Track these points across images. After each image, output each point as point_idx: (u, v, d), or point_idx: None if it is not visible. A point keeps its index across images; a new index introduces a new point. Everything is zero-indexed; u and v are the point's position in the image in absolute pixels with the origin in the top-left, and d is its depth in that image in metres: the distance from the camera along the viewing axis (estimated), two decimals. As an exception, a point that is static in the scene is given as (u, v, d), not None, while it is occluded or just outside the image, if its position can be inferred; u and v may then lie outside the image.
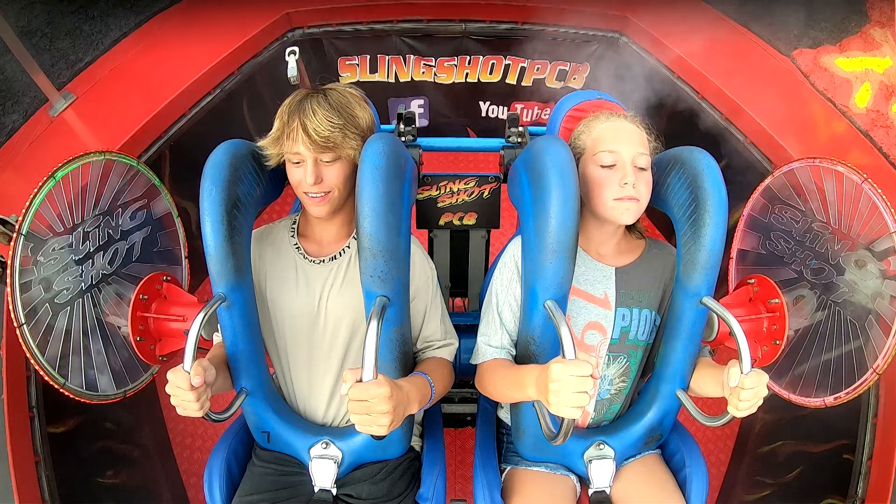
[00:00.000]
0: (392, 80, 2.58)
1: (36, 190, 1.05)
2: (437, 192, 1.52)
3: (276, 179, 1.19)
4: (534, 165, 1.06)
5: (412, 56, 2.49)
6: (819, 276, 1.21)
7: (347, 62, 2.50)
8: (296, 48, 1.73)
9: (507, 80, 2.60)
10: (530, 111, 2.74)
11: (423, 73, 2.57)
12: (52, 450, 1.44)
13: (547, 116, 2.70)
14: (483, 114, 2.77)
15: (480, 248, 1.69)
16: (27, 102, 1.86)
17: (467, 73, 2.58)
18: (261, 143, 1.11)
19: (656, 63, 2.17)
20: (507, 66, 2.54)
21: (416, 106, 2.72)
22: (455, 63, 2.53)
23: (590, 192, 1.09)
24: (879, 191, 1.11)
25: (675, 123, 2.15)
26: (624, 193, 1.05)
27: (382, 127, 1.44)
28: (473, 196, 1.52)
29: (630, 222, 1.08)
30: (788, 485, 1.77)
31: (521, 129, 1.47)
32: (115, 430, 1.76)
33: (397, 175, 1.01)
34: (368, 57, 2.48)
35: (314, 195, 1.09)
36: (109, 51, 2.01)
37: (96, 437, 1.68)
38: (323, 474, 1.16)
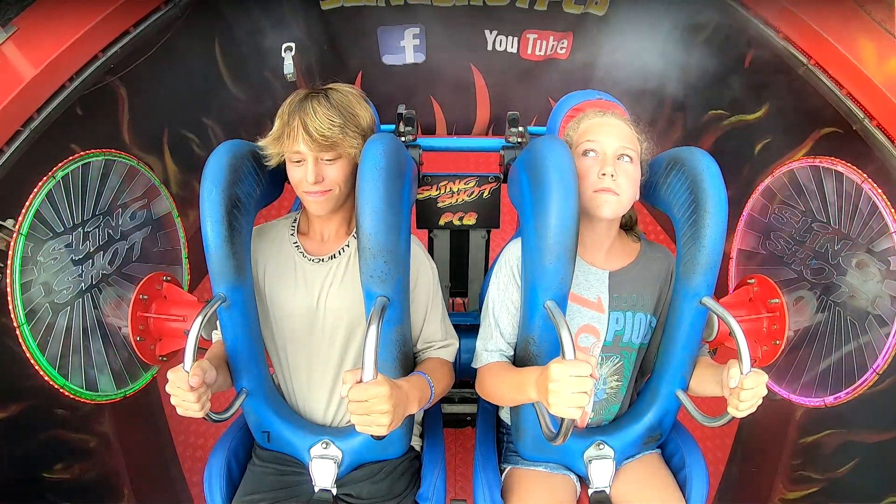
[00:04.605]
0: (382, 3, 2.26)
1: (36, 190, 1.05)
2: (437, 192, 1.52)
3: (276, 179, 1.19)
4: (534, 165, 1.06)
5: None
6: (819, 277, 1.21)
7: None
8: (292, 44, 1.72)
9: (517, 4, 2.28)
10: (544, 42, 2.42)
11: None
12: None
13: (563, 49, 2.46)
14: (489, 46, 2.44)
15: (480, 248, 1.69)
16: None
17: None
18: (261, 142, 1.12)
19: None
20: None
21: (410, 35, 2.36)
22: None
23: None
24: (879, 191, 1.11)
25: (719, 47, 1.89)
26: (602, 185, 1.04)
27: (382, 127, 1.45)
28: (473, 196, 1.52)
29: (609, 216, 1.06)
30: (840, 480, 1.59)
31: (520, 128, 1.47)
32: (67, 417, 1.56)
33: (397, 175, 1.01)
34: None
35: (314, 193, 1.09)
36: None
37: (45, 425, 1.50)
38: (323, 474, 1.16)
